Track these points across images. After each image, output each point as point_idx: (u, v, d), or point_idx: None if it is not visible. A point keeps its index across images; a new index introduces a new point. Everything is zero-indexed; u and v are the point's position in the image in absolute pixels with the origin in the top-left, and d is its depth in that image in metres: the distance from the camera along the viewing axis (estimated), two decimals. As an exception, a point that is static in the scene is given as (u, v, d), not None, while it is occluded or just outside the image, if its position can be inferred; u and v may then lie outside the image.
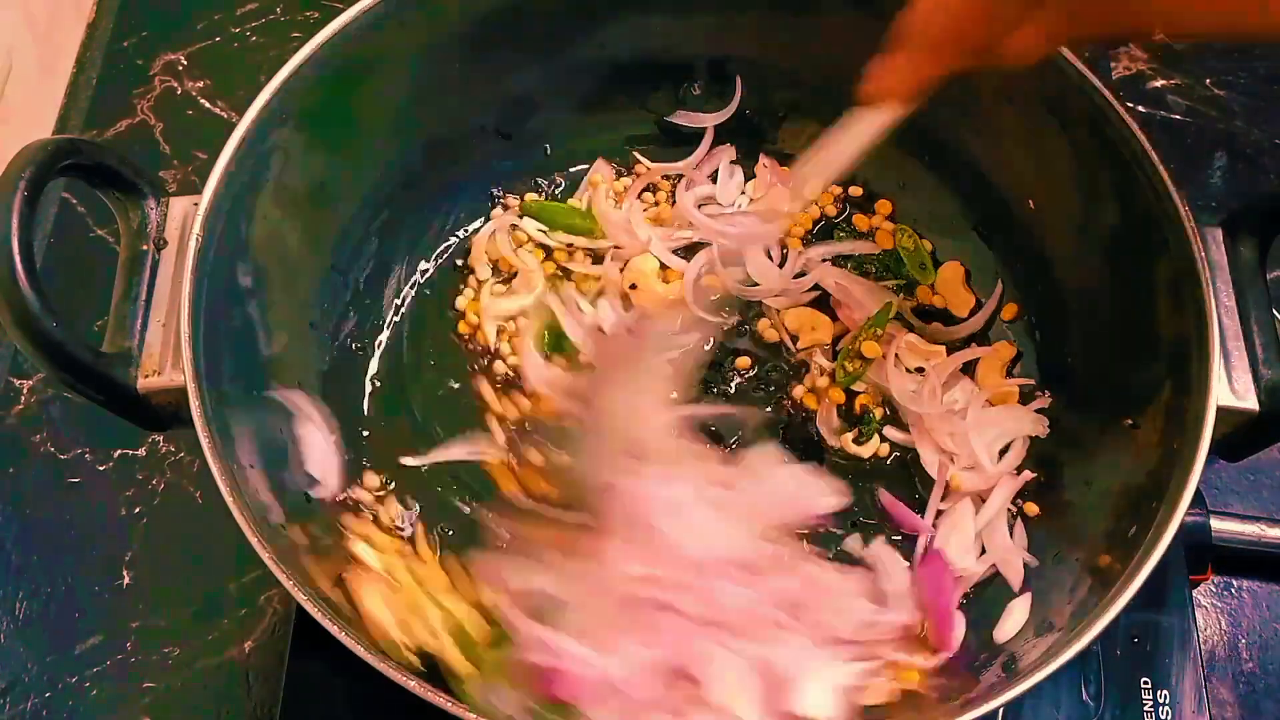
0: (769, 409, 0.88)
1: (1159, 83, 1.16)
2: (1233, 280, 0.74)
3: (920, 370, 0.88)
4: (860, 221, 0.96)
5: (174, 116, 1.12)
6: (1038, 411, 0.86)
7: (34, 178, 0.63)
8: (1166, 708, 0.80)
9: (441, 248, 0.95)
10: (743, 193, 0.98)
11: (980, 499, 0.83)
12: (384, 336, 0.91)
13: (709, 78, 0.97)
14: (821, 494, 0.77)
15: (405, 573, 0.74)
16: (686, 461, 0.76)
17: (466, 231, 0.95)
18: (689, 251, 0.93)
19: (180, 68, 1.15)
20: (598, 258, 0.94)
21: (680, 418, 0.79)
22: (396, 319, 0.92)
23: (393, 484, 0.84)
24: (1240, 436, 0.72)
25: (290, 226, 0.81)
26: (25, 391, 0.97)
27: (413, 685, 0.60)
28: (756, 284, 0.92)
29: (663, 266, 0.93)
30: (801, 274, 0.93)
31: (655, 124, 0.99)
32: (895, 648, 0.73)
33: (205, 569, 0.90)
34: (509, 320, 0.91)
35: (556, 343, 0.88)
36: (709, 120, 0.98)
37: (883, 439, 0.87)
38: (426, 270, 0.94)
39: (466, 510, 0.83)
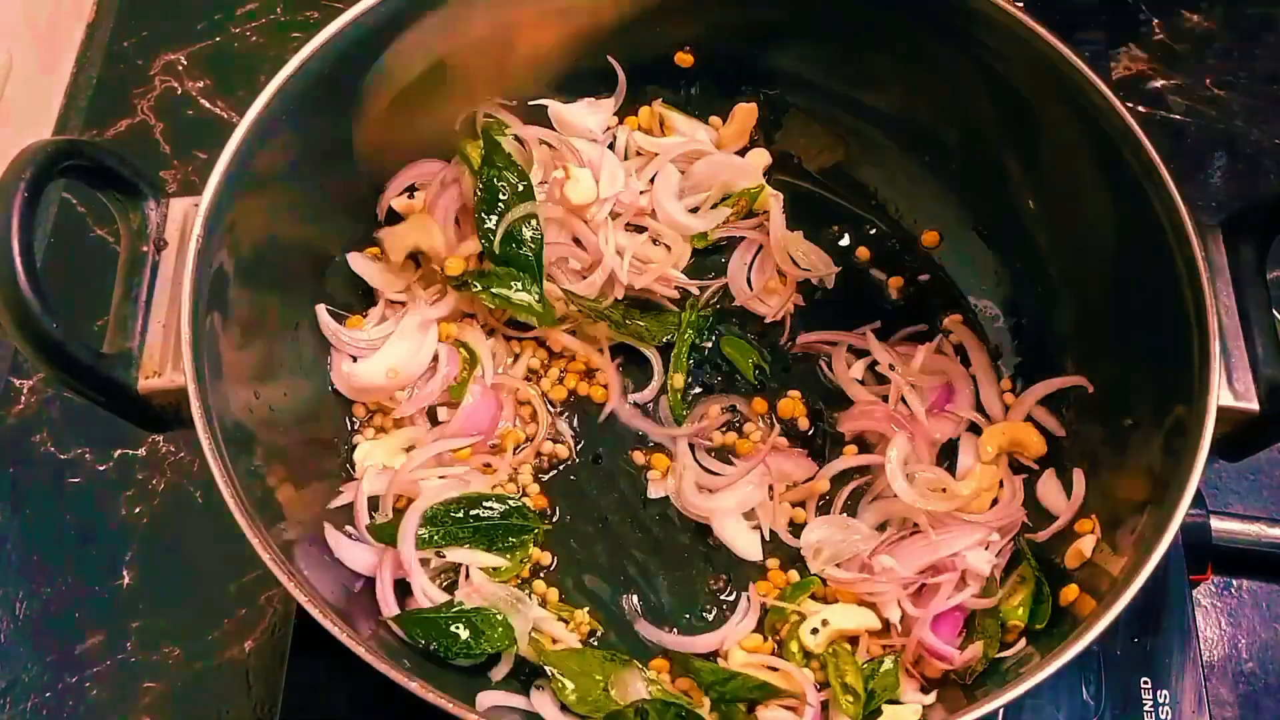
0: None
1: (1159, 83, 1.16)
2: (1233, 280, 0.74)
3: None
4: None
5: (174, 117, 1.12)
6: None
7: (34, 178, 0.63)
8: (1166, 707, 0.80)
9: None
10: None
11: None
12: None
13: (709, 79, 0.97)
14: None
15: None
16: None
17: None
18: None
19: (180, 68, 1.15)
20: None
21: None
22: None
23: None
24: (1240, 436, 0.72)
25: (290, 227, 0.81)
26: (25, 391, 0.97)
27: (414, 686, 0.60)
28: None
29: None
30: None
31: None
32: None
33: (205, 569, 0.90)
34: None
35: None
36: None
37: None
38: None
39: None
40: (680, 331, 0.90)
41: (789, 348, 0.92)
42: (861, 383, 0.89)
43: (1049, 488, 0.83)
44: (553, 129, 0.93)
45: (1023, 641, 0.76)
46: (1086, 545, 0.76)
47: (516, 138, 0.92)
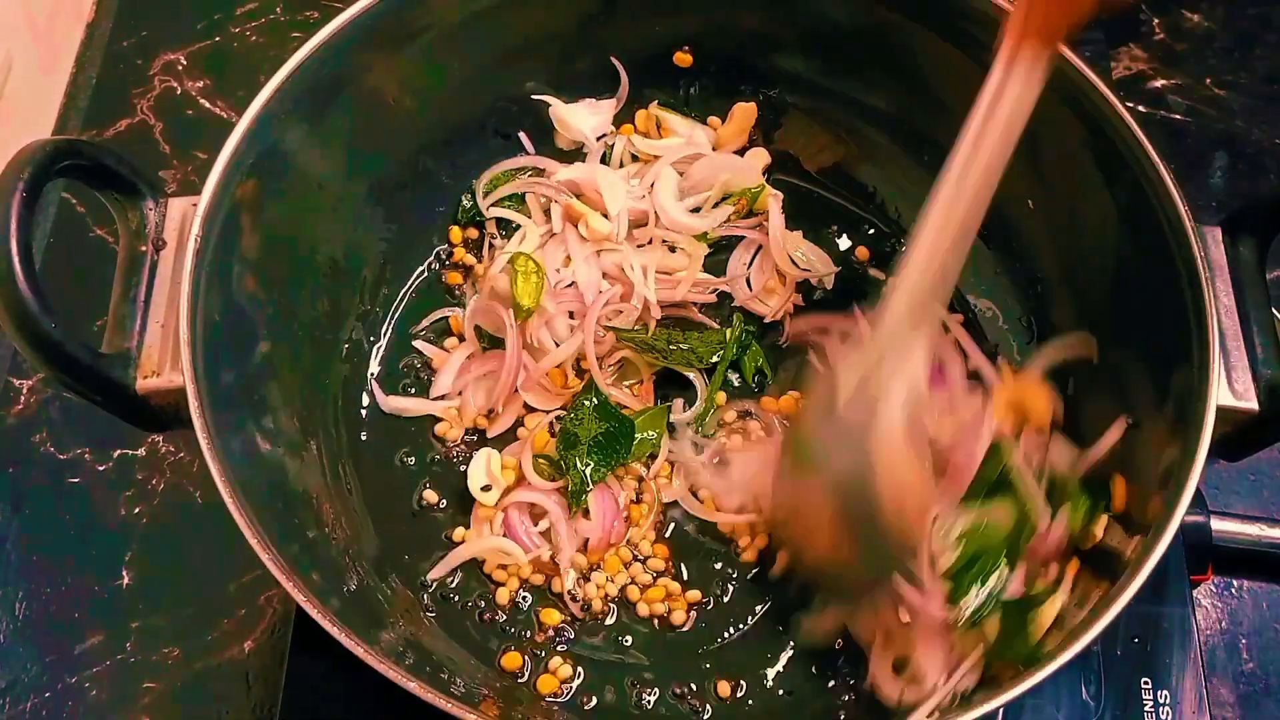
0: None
1: (1159, 83, 1.16)
2: (1233, 280, 0.74)
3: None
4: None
5: (174, 116, 1.12)
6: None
7: (32, 178, 0.63)
8: (1167, 708, 0.80)
9: (438, 249, 0.95)
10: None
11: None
12: (381, 344, 0.91)
13: (708, 79, 0.97)
14: None
15: None
16: None
17: (460, 229, 0.96)
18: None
19: (180, 68, 1.15)
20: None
21: None
22: (395, 317, 0.92)
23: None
24: (1240, 436, 0.72)
25: (288, 227, 0.81)
26: (25, 391, 0.97)
27: (413, 686, 0.60)
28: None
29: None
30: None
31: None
32: None
33: (205, 569, 0.90)
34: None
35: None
36: None
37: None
38: (422, 273, 0.94)
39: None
40: (727, 349, 0.89)
41: (783, 342, 0.92)
42: None
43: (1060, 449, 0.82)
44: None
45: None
46: (1099, 526, 0.76)
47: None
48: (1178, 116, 1.15)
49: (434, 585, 0.82)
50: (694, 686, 0.78)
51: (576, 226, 0.92)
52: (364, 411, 0.88)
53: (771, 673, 0.79)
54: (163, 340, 0.69)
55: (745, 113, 0.97)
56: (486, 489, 0.83)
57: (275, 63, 0.76)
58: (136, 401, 0.68)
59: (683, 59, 0.96)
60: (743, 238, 0.95)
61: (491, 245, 0.94)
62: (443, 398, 0.88)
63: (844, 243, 0.97)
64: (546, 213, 0.94)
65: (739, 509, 0.84)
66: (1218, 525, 0.88)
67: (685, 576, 0.83)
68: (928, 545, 0.75)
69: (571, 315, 0.89)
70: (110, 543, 0.91)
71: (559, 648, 0.80)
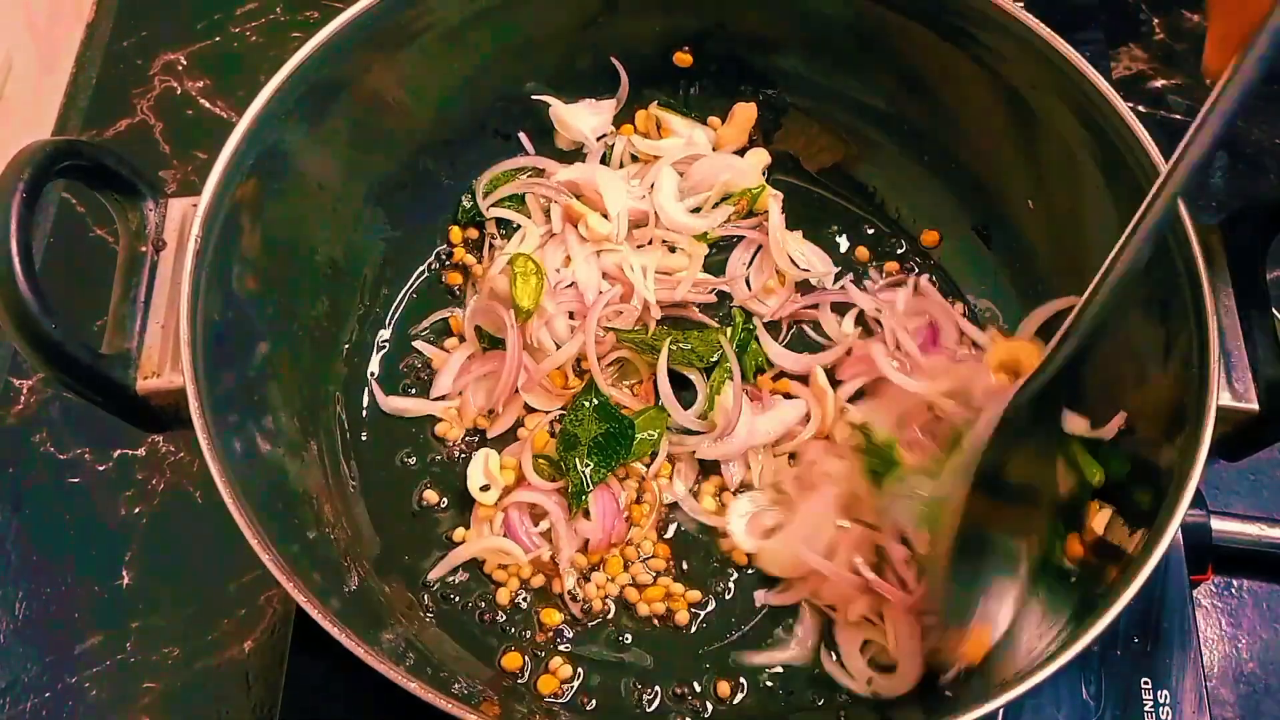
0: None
1: (1159, 83, 1.16)
2: (1233, 280, 0.74)
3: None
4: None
5: (174, 116, 1.12)
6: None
7: (32, 178, 0.63)
8: (1167, 708, 0.80)
9: (438, 249, 0.95)
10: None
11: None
12: (382, 345, 0.91)
13: (708, 79, 0.97)
14: None
15: None
16: None
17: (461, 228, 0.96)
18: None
19: (180, 68, 1.15)
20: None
21: None
22: (395, 317, 0.92)
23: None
24: (1240, 436, 0.72)
25: (288, 228, 0.81)
26: (25, 391, 0.97)
27: (413, 686, 0.60)
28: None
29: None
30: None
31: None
32: None
33: (205, 569, 0.90)
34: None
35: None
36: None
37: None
38: (422, 273, 0.94)
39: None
40: (729, 343, 0.88)
41: (781, 322, 0.92)
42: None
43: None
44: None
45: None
46: (1099, 521, 0.76)
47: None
48: (1178, 116, 1.14)
49: (434, 585, 0.82)
50: (694, 686, 0.78)
51: (576, 227, 0.92)
52: (364, 411, 0.88)
53: (772, 673, 0.79)
54: (163, 340, 0.69)
55: (745, 113, 0.97)
56: (486, 489, 0.83)
57: (275, 63, 0.76)
58: (136, 402, 0.68)
59: (683, 59, 0.96)
60: (743, 238, 0.95)
61: (491, 245, 0.94)
62: (443, 398, 0.88)
63: (844, 243, 0.97)
64: (546, 213, 0.94)
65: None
66: (1218, 525, 0.88)
67: (686, 576, 0.83)
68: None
69: (571, 315, 0.89)
70: (110, 543, 0.91)
71: (559, 648, 0.80)
